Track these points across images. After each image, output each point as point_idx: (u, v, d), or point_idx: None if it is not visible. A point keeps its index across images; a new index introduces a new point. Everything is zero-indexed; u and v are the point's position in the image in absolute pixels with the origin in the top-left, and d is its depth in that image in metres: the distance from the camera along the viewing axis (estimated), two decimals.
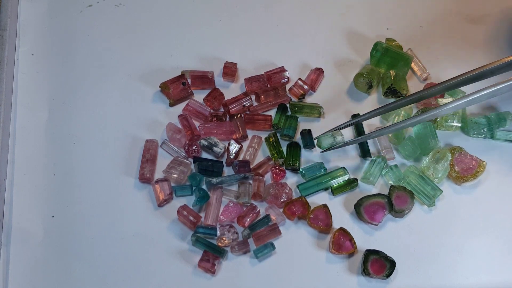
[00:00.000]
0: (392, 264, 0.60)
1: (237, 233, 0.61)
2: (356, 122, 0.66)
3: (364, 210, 0.62)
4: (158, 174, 0.64)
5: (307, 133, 0.67)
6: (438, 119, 0.68)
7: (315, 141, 0.66)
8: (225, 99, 0.69)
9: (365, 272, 0.59)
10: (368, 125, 0.68)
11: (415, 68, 0.73)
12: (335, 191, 0.64)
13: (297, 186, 0.64)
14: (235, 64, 0.71)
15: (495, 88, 0.61)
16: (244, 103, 0.68)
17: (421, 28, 0.76)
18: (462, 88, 0.68)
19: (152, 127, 0.67)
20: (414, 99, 0.65)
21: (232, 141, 0.65)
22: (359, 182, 0.65)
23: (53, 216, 0.62)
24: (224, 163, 0.65)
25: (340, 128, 0.65)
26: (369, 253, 0.60)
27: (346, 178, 0.65)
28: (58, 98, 0.69)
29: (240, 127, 0.67)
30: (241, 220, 0.62)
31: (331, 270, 0.61)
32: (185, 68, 0.71)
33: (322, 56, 0.73)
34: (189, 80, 0.69)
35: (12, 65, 0.70)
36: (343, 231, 0.61)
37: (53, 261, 0.60)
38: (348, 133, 0.68)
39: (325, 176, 0.64)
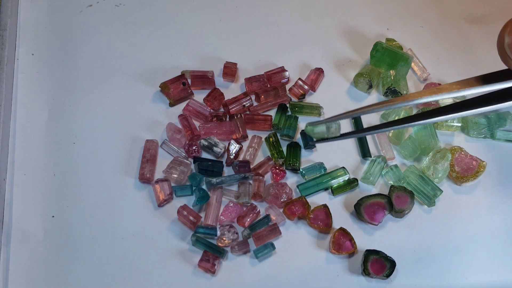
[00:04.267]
0: (392, 264, 0.60)
1: (237, 233, 0.61)
2: (354, 115, 0.54)
3: (364, 210, 0.62)
4: (158, 174, 0.64)
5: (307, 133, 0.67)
6: None
7: (306, 128, 0.56)
8: (225, 99, 0.69)
9: (365, 272, 0.59)
10: (368, 124, 0.68)
11: (415, 68, 0.73)
12: (335, 191, 0.64)
13: (297, 186, 0.64)
14: (235, 64, 0.71)
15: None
16: (244, 103, 0.68)
17: (421, 28, 0.76)
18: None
19: (152, 127, 0.67)
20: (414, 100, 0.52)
21: (232, 141, 0.65)
22: (359, 182, 0.65)
23: (53, 216, 0.62)
24: (224, 163, 0.65)
25: (336, 120, 0.54)
26: (369, 253, 0.60)
27: (346, 178, 0.65)
28: (58, 98, 0.69)
29: (240, 127, 0.67)
30: (241, 220, 0.62)
31: (331, 270, 0.61)
32: (185, 68, 0.71)
33: (322, 56, 0.73)
34: (189, 80, 0.69)
35: (12, 65, 0.70)
36: (343, 231, 0.61)
37: (53, 261, 0.60)
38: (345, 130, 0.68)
39: (325, 176, 0.65)
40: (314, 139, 0.57)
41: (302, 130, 0.67)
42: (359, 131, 0.58)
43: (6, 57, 0.68)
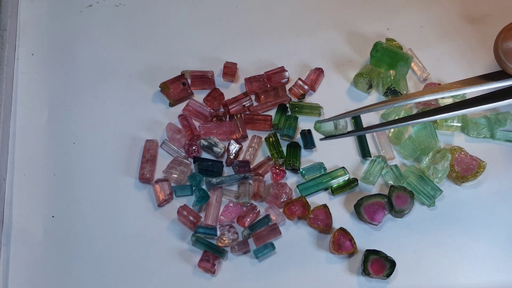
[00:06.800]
0: (392, 264, 0.60)
1: (237, 233, 0.61)
2: (356, 114, 0.58)
3: (364, 210, 0.62)
4: (158, 174, 0.64)
5: (307, 133, 0.67)
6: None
7: (315, 125, 0.66)
8: (225, 99, 0.69)
9: (365, 272, 0.59)
10: (368, 124, 0.68)
11: (415, 68, 0.73)
12: (335, 191, 0.64)
13: (297, 186, 0.64)
14: (235, 64, 0.71)
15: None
16: (244, 103, 0.68)
17: (421, 28, 0.76)
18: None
19: (152, 127, 0.67)
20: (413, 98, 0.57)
21: (232, 141, 0.65)
22: (359, 182, 0.65)
23: (53, 216, 0.62)
24: (224, 163, 0.65)
25: (341, 117, 0.59)
26: (369, 253, 0.60)
27: (346, 178, 0.65)
28: (58, 98, 0.69)
29: (240, 127, 0.67)
30: (241, 220, 0.62)
31: (331, 270, 0.61)
32: (185, 68, 0.71)
33: (322, 56, 0.73)
34: (189, 80, 0.69)
35: (12, 65, 0.70)
36: (343, 231, 0.61)
37: (53, 261, 0.60)
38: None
39: (325, 176, 0.64)
40: (323, 136, 0.62)
41: (302, 130, 0.67)
42: (365, 129, 0.60)
43: (6, 57, 0.68)
